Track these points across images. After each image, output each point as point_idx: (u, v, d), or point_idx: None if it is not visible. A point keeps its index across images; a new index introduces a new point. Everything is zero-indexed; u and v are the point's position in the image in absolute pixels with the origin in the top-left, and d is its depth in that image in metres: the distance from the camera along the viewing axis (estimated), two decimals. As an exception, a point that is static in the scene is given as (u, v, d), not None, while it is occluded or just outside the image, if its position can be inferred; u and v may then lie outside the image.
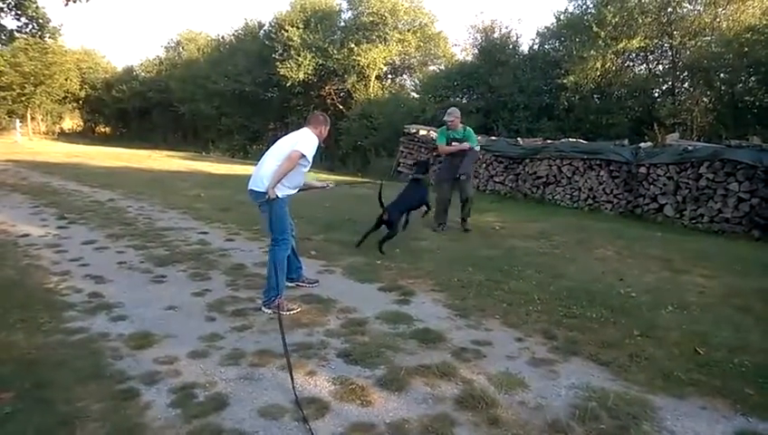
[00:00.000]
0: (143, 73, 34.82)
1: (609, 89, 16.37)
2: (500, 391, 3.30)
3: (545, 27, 18.97)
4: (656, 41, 16.22)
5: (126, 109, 34.30)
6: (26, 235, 7.19)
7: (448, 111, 8.00)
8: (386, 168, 17.02)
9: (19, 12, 28.07)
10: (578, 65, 15.69)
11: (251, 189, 4.67)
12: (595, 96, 16.71)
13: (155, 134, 32.50)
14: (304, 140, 4.61)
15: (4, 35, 29.40)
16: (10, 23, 29.48)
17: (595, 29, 15.35)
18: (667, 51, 16.58)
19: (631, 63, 17.41)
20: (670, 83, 16.51)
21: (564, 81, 15.76)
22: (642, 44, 15.78)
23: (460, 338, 4.10)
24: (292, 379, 3.28)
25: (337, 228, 7.88)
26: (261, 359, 3.67)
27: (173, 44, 35.64)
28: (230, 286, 5.17)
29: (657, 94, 16.91)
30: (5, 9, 28.32)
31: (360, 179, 13.94)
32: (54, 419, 2.89)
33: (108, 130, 40.01)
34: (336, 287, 5.27)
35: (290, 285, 5.11)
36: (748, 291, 5.44)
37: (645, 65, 17.34)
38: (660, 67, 17.17)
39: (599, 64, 15.67)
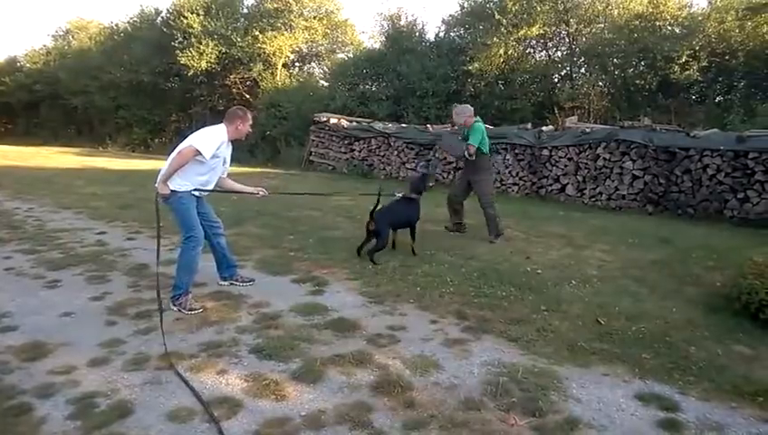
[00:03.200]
0: (28, 65, 32.30)
1: (512, 75, 16.95)
2: (415, 373, 3.33)
3: (450, 15, 19.38)
4: (554, 28, 16.97)
5: (10, 103, 31.78)
6: None
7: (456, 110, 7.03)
8: (297, 157, 16.79)
9: None
10: (482, 52, 16.12)
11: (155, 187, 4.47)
12: (499, 82, 17.24)
13: (44, 130, 30.41)
14: (202, 136, 4.43)
15: None
16: None
17: (497, 16, 15.82)
18: (564, 38, 17.38)
19: (532, 50, 18.12)
20: (568, 69, 17.33)
21: (470, 67, 16.16)
22: (541, 32, 16.46)
23: (375, 324, 4.11)
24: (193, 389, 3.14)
25: (245, 222, 7.68)
26: (167, 361, 3.49)
27: (62, 33, 33.43)
28: (132, 288, 4.90)
29: (556, 80, 17.72)
30: None
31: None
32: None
33: (-9, 126, 36.96)
34: (247, 282, 5.13)
35: (223, 284, 4.99)
36: (644, 263, 5.85)
37: (545, 52, 18.10)
38: (559, 53, 18.01)
39: (502, 51, 16.18)
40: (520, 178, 11.12)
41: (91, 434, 2.73)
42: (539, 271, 5.43)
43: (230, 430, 2.76)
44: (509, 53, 16.56)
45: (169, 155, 4.47)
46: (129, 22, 27.89)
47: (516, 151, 11.14)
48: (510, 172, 11.24)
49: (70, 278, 5.25)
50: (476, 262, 5.72)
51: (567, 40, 17.28)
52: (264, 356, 3.56)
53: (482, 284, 5.00)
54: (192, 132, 4.59)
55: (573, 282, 5.11)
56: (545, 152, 10.67)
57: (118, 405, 2.98)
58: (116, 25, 29.42)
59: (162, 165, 4.55)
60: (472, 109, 6.99)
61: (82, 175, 13.48)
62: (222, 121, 4.62)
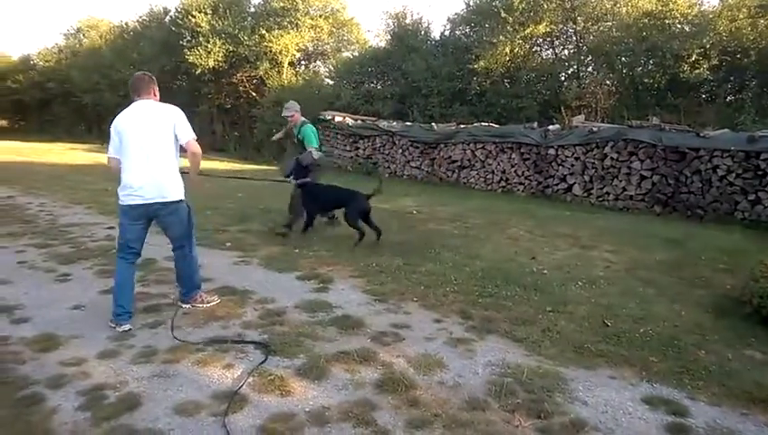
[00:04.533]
0: (41, 63, 32.57)
1: (518, 73, 16.91)
2: (419, 372, 3.35)
3: (456, 13, 19.33)
4: (561, 26, 16.93)
5: (24, 100, 32.08)
6: None
7: (285, 105, 7.14)
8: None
9: None
10: (488, 51, 16.11)
11: (156, 202, 4.01)
12: (505, 81, 17.21)
13: (56, 126, 30.59)
14: (185, 120, 4.10)
15: None
16: None
17: (503, 15, 15.80)
18: (571, 36, 17.34)
19: (538, 48, 18.07)
20: (575, 67, 17.29)
21: (475, 66, 16.15)
22: (548, 30, 16.43)
23: (379, 322, 4.14)
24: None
25: (252, 219, 7.73)
26: (175, 355, 3.54)
27: (73, 32, 33.57)
28: (140, 282, 4.92)
29: (563, 78, 17.65)
30: None
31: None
32: (-51, 431, 2.68)
33: (4, 122, 37.34)
34: (253, 278, 5.18)
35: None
36: (651, 264, 5.84)
37: (551, 50, 18.07)
38: (566, 52, 17.96)
39: (508, 49, 16.16)
40: (525, 178, 11.12)
41: (100, 425, 2.77)
42: (544, 271, 5.44)
43: (236, 423, 2.79)
44: (515, 51, 16.54)
45: (137, 162, 3.96)
46: (138, 21, 28.12)
47: (522, 151, 11.14)
48: (515, 171, 11.24)
49: (80, 272, 5.34)
50: (481, 261, 5.74)
51: (574, 38, 17.25)
52: (269, 352, 3.59)
53: (486, 283, 5.01)
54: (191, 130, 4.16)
55: (579, 283, 5.12)
56: (551, 151, 10.66)
57: (126, 397, 3.03)
58: (126, 24, 29.67)
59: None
60: (299, 106, 7.22)
61: (93, 171, 13.55)
62: (145, 97, 4.08)
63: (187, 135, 4.09)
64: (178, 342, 3.74)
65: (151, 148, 3.98)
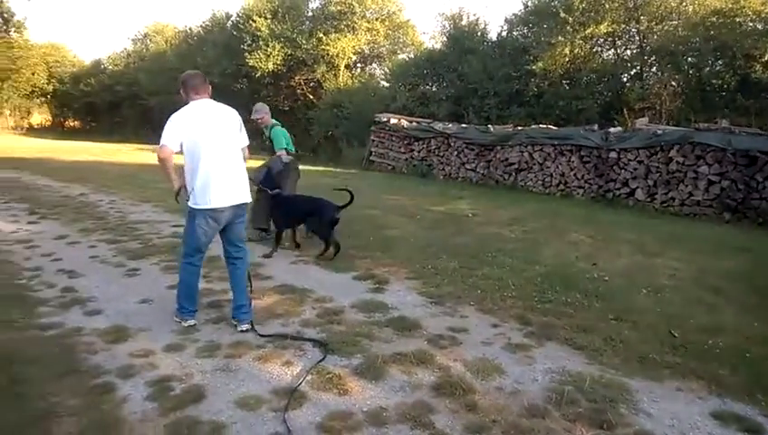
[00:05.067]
0: (111, 67, 34.11)
1: (578, 74, 16.53)
2: (477, 377, 3.32)
3: (513, 14, 19.09)
4: (623, 26, 16.41)
5: (95, 103, 33.67)
6: (-4, 231, 7.04)
7: (254, 107, 6.83)
8: (358, 157, 16.98)
9: (-18, 7, 27.43)
10: (546, 51, 15.81)
11: (238, 204, 4.00)
12: (564, 82, 16.85)
13: (124, 128, 31.89)
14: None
15: (-31, 31, 28.82)
16: (-26, 18, 28.89)
17: (563, 15, 15.47)
18: (634, 35, 16.79)
19: (599, 49, 17.59)
20: (638, 68, 16.74)
21: (533, 67, 15.88)
22: (610, 29, 15.96)
23: (436, 325, 4.12)
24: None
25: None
26: (237, 350, 3.64)
27: (140, 37, 35.00)
28: (204, 278, 5.06)
29: (625, 79, 17.12)
30: (-32, 5, 27.67)
31: None
32: (30, 414, 2.85)
33: (77, 124, 39.22)
34: (311, 277, 5.27)
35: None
36: (720, 273, 5.58)
37: (613, 50, 17.55)
38: (628, 52, 17.40)
39: (567, 50, 15.81)
40: (585, 181, 10.84)
41: (167, 416, 2.88)
42: (606, 278, 5.29)
43: (295, 420, 2.84)
44: (575, 51, 16.16)
45: (217, 165, 3.90)
46: (201, 25, 29.00)
47: (582, 153, 10.87)
48: (575, 174, 10.99)
49: (148, 267, 5.58)
50: (540, 266, 5.63)
51: (637, 38, 16.69)
52: (327, 350, 3.64)
53: (545, 289, 4.91)
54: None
55: (644, 290, 4.94)
56: (613, 155, 10.36)
57: (191, 389, 3.14)
58: (190, 29, 30.66)
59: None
60: (268, 108, 6.88)
61: (159, 171, 14.03)
62: (204, 96, 4.00)
63: (246, 140, 4.16)
64: (252, 336, 3.86)
65: (229, 149, 3.95)
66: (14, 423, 2.76)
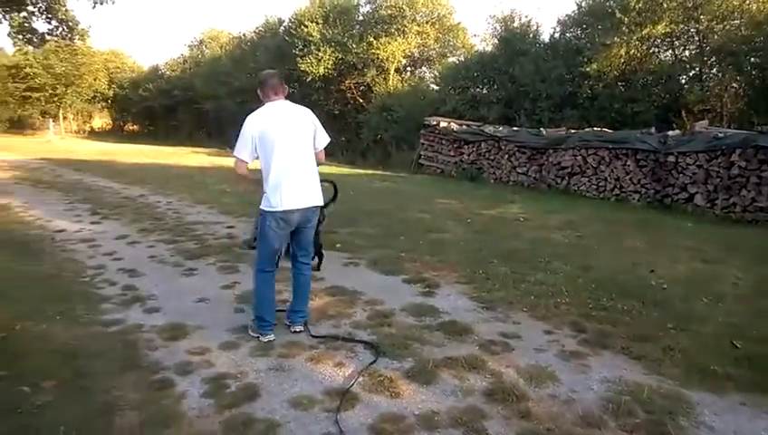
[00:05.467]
0: (168, 72, 35.24)
1: (633, 76, 16.06)
2: (530, 384, 3.27)
3: (566, 15, 18.71)
4: (682, 26, 15.85)
5: (153, 107, 34.74)
6: (62, 230, 7.38)
7: None
8: (407, 160, 16.99)
9: (49, 15, 28.92)
10: (601, 53, 15.43)
11: (311, 207, 3.92)
12: (619, 84, 16.39)
13: (180, 131, 32.80)
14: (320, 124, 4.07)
15: (36, 38, 30.41)
16: (41, 26, 30.38)
17: (618, 15, 15.07)
18: (693, 35, 16.18)
19: (656, 50, 17.03)
20: (698, 69, 16.12)
21: (587, 69, 15.51)
22: (667, 30, 15.45)
23: (487, 330, 4.08)
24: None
25: (359, 222, 7.90)
26: (290, 350, 3.70)
27: (196, 43, 36.05)
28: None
29: (684, 81, 16.53)
30: (36, 13, 29.19)
31: None
32: (94, 407, 2.97)
33: (136, 127, 40.60)
34: (361, 280, 5.29)
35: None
36: (787, 283, 5.31)
37: (671, 51, 16.97)
38: (687, 53, 16.78)
39: (622, 51, 15.39)
40: (642, 186, 10.52)
41: (222, 413, 2.95)
42: (664, 285, 5.11)
43: (347, 421, 2.87)
44: (630, 52, 15.69)
45: (290, 166, 3.83)
46: (255, 31, 29.61)
47: (638, 157, 10.56)
48: (630, 179, 10.69)
49: (204, 267, 5.74)
50: (594, 273, 5.50)
51: (697, 38, 16.07)
52: (378, 353, 3.65)
53: (601, 296, 4.79)
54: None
55: (704, 299, 4.75)
56: (671, 159, 10.01)
57: (246, 388, 3.20)
58: (243, 35, 31.34)
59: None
60: None
61: (213, 173, 14.48)
62: (281, 97, 4.01)
63: (325, 140, 4.05)
64: (305, 336, 3.94)
65: (303, 150, 3.88)
66: (80, 415, 2.88)
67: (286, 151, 3.79)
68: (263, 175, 3.84)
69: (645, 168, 10.46)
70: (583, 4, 17.47)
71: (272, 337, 3.88)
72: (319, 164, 4.04)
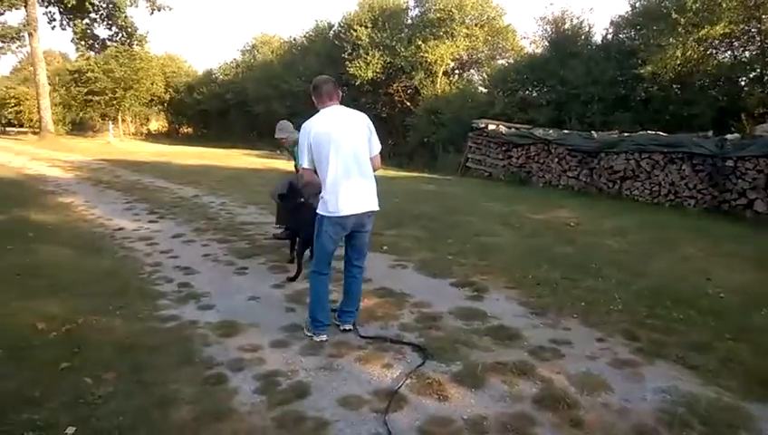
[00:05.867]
0: (221, 76, 36.04)
1: (690, 78, 15.54)
2: (581, 391, 3.22)
3: (619, 16, 18.29)
4: (742, 26, 15.23)
5: (206, 110, 35.59)
6: (121, 228, 7.67)
7: (278, 126, 6.55)
8: (454, 164, 16.92)
9: (110, 22, 30.22)
10: (656, 54, 14.98)
11: (368, 212, 3.93)
12: (675, 86, 15.92)
13: (233, 134, 33.46)
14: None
15: (98, 44, 31.90)
16: (102, 32, 31.81)
17: (674, 16, 14.61)
18: (754, 36, 15.54)
19: (714, 51, 16.43)
20: (759, 71, 15.47)
21: (641, 71, 15.10)
22: (726, 30, 14.86)
23: (537, 336, 4.04)
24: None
25: (407, 224, 7.91)
26: (339, 350, 3.76)
27: (249, 48, 36.69)
28: (307, 279, 5.26)
29: (743, 83, 15.91)
30: (98, 20, 30.54)
31: None
32: (151, 400, 3.08)
33: (190, 130, 41.62)
34: (408, 282, 5.31)
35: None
36: None
37: (730, 52, 16.35)
38: (747, 54, 16.14)
39: (678, 53, 14.89)
40: (698, 191, 10.17)
41: (273, 409, 3.02)
42: (722, 294, 4.94)
43: (396, 422, 2.89)
44: (687, 54, 15.17)
45: (348, 170, 3.82)
46: (305, 36, 30.04)
47: (694, 162, 10.21)
48: (686, 184, 10.35)
49: (255, 266, 5.87)
50: (648, 280, 5.36)
51: (758, 38, 15.42)
52: (426, 355, 3.66)
53: (655, 304, 4.66)
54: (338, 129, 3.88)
55: (765, 310, 4.57)
56: (729, 163, 9.65)
57: (296, 386, 3.27)
58: (294, 39, 31.82)
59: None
60: (292, 126, 6.45)
61: (264, 175, 14.75)
62: (336, 101, 4.01)
63: (378, 146, 4.03)
64: (354, 337, 3.99)
65: (360, 155, 3.87)
66: (138, 407, 3.00)
67: (343, 156, 3.79)
68: (320, 179, 3.88)
69: (701, 172, 10.11)
70: (637, 4, 17.06)
71: (324, 337, 3.92)
72: (375, 170, 4.04)
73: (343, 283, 4.21)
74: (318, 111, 3.97)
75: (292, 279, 5.23)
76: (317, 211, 3.92)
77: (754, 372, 3.48)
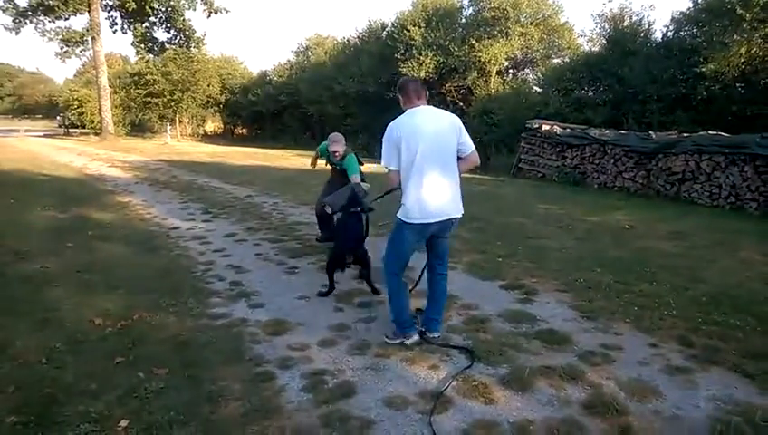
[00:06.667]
0: (275, 78, 36.64)
1: (754, 77, 14.82)
2: (631, 398, 3.15)
3: (681, 12, 17.61)
4: (813, 20, 14.47)
5: (261, 111, 36.23)
6: (176, 227, 7.93)
7: (330, 138, 6.29)
8: (506, 164, 16.72)
9: (169, 25, 31.31)
10: (719, 52, 14.37)
11: (452, 218, 3.81)
12: (738, 85, 15.23)
13: (286, 135, 34.02)
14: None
15: (157, 47, 33.11)
16: (161, 35, 33.00)
17: (739, 12, 13.97)
18: (827, 31, 14.72)
19: (783, 48, 15.66)
20: (831, 69, 14.65)
21: (703, 69, 14.53)
22: (796, 25, 14.15)
23: (587, 341, 3.97)
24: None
25: (458, 225, 7.86)
26: (385, 350, 3.79)
27: (302, 49, 37.20)
28: (356, 280, 5.33)
29: (814, 81, 15.07)
30: (157, 23, 31.73)
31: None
32: (201, 395, 3.19)
33: (245, 131, 42.46)
34: (457, 284, 5.25)
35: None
36: None
37: (800, 49, 15.53)
38: (817, 51, 15.28)
39: (743, 50, 14.24)
40: (760, 194, 9.72)
41: (320, 408, 3.08)
42: (783, 301, 4.73)
43: (441, 424, 2.90)
44: (752, 51, 14.49)
45: (430, 175, 3.65)
46: (358, 36, 30.20)
47: (757, 163, 9.76)
48: (748, 186, 9.90)
49: (306, 266, 5.98)
50: (705, 285, 5.17)
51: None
52: (473, 358, 3.65)
53: (711, 310, 4.51)
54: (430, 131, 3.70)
55: (829, 319, 4.35)
56: (797, 165, 9.19)
57: (343, 385, 3.32)
58: (347, 40, 32.03)
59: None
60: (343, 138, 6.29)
61: (317, 176, 14.91)
62: (424, 101, 3.85)
63: (471, 145, 3.83)
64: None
65: (446, 158, 3.70)
66: (188, 401, 3.11)
67: (428, 160, 3.62)
68: (401, 182, 3.72)
69: (765, 175, 9.66)
70: (700, 0, 16.39)
71: (416, 337, 3.88)
72: (474, 166, 3.96)
73: (428, 290, 4.10)
74: (404, 111, 3.80)
75: (324, 295, 4.95)
76: (397, 215, 3.77)
77: (817, 383, 3.31)
